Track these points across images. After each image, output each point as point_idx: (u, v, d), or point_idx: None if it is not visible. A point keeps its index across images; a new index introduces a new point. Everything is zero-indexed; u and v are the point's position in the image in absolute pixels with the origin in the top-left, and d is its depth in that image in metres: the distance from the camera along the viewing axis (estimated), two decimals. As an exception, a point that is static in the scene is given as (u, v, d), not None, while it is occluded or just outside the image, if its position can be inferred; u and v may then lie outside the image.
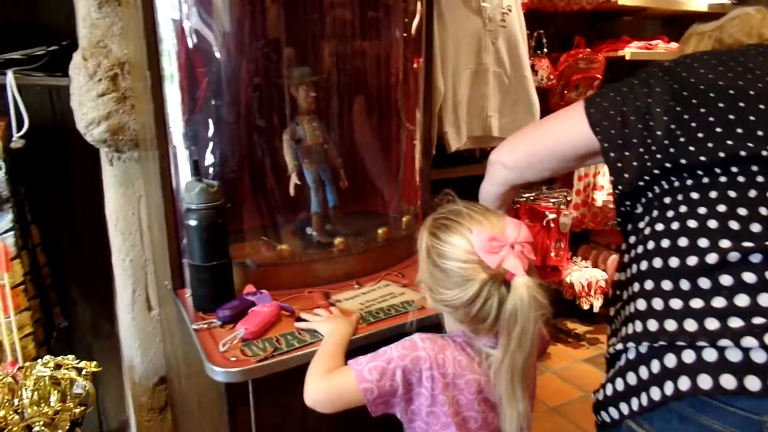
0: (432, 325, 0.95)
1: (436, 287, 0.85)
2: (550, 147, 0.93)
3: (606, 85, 0.93)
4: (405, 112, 1.40)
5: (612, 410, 0.77)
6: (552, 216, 2.44)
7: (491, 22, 1.90)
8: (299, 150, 1.28)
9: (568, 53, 2.45)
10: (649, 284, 0.72)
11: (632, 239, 0.82)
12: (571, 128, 0.89)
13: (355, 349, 0.97)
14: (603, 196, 2.71)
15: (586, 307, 2.69)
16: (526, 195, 2.47)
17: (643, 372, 0.69)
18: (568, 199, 2.56)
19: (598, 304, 2.70)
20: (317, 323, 1.01)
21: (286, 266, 1.21)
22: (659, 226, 0.75)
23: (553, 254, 2.54)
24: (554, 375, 2.52)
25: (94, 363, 1.39)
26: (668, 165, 0.76)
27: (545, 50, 2.42)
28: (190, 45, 1.17)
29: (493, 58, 1.96)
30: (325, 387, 0.84)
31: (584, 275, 2.70)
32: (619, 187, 0.84)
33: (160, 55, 1.12)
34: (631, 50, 2.50)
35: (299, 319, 1.05)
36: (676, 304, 0.68)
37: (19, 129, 1.48)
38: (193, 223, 1.04)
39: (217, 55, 1.20)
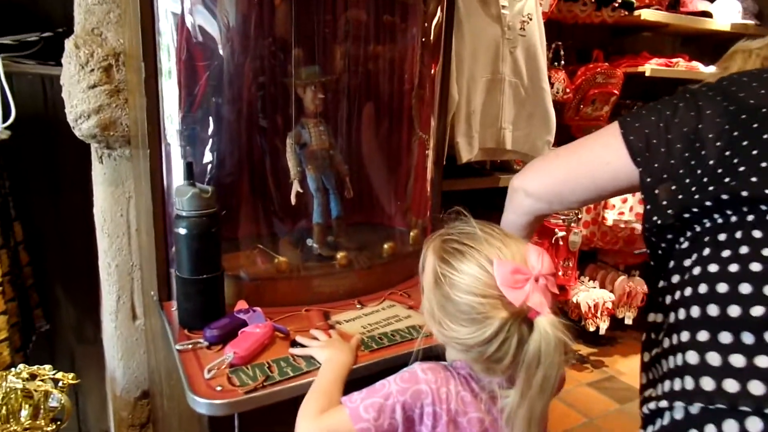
0: (442, 354, 0.86)
1: (446, 322, 0.75)
2: (584, 177, 0.83)
3: (643, 106, 0.83)
4: (418, 119, 1.31)
5: None
6: (561, 233, 2.35)
7: (510, 30, 1.81)
8: (303, 155, 1.19)
9: (586, 67, 2.37)
10: (702, 335, 0.62)
11: (675, 278, 0.72)
12: (608, 157, 0.79)
13: (355, 379, 0.87)
14: (614, 215, 2.61)
15: (592, 328, 2.60)
16: (536, 211, 2.38)
17: None
18: (579, 216, 2.47)
19: (604, 326, 2.61)
20: (314, 349, 0.92)
21: (283, 281, 1.12)
22: (713, 267, 0.65)
23: (561, 273, 2.45)
24: (557, 399, 2.42)
25: (72, 375, 1.29)
26: (724, 197, 0.66)
27: (562, 62, 2.34)
28: (191, 37, 1.08)
29: (511, 68, 1.87)
30: (318, 430, 0.74)
31: (591, 296, 2.60)
32: (659, 222, 0.74)
33: (158, 46, 1.03)
34: (651, 66, 2.42)
35: (294, 343, 0.95)
36: (737, 360, 0.58)
37: (5, 119, 1.38)
38: (182, 231, 0.94)
39: (220, 50, 1.11)
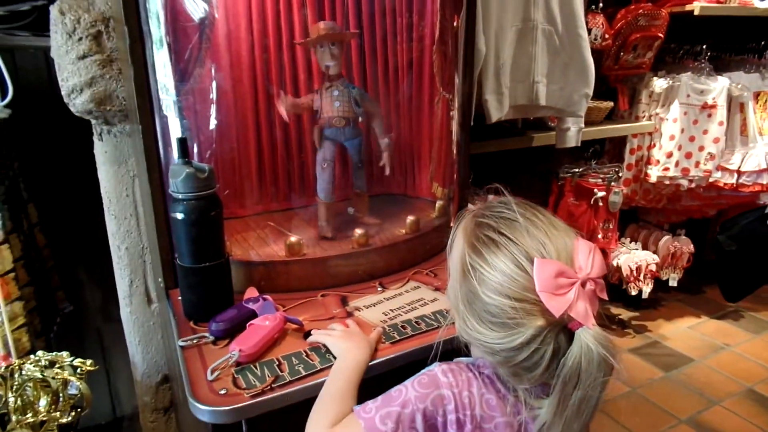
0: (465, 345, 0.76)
1: (471, 321, 0.65)
2: None
3: None
4: (441, 77, 1.17)
5: None
6: (601, 194, 2.20)
7: (542, -30, 1.63)
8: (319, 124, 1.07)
9: (626, 9, 2.16)
10: None
11: None
12: None
13: (375, 376, 0.78)
14: (658, 171, 2.43)
15: (634, 292, 2.46)
16: (573, 170, 2.22)
17: None
18: (619, 174, 2.29)
19: (647, 290, 2.46)
20: (329, 339, 0.83)
21: (296, 263, 1.02)
22: None
23: (600, 236, 2.30)
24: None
25: (90, 362, 1.25)
26: None
27: (600, 5, 2.13)
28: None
29: (543, 13, 1.68)
30: None
31: (633, 258, 2.45)
32: None
33: (147, 10, 0.92)
34: (700, 5, 2.17)
35: (308, 335, 0.86)
36: None
37: (3, 97, 1.31)
38: (179, 216, 0.85)
39: (214, 8, 0.99)
